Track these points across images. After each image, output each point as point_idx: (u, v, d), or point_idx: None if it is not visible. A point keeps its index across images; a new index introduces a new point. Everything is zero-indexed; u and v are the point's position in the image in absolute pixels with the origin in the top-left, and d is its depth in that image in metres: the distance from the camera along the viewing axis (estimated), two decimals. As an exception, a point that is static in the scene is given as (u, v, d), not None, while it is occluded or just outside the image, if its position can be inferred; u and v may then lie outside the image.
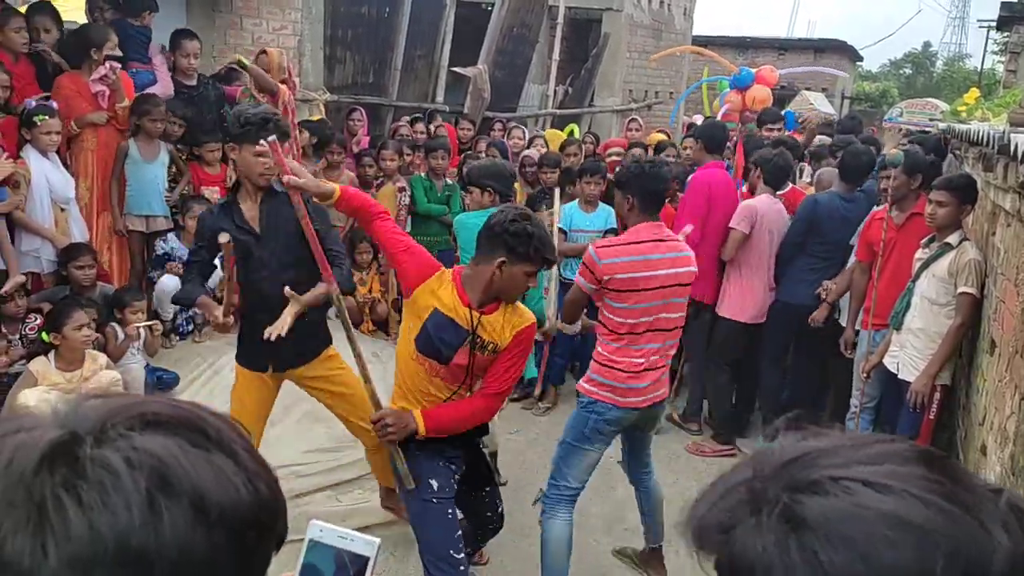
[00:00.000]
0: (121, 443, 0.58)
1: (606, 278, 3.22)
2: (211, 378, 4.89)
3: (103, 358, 4.25)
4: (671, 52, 12.89)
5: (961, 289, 3.93)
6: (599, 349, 3.39)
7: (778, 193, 5.30)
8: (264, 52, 5.57)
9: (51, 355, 4.08)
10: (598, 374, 3.36)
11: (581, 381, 3.45)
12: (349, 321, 2.94)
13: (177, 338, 5.21)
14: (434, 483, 2.85)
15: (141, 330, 4.57)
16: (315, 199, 2.88)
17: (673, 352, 3.50)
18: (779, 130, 7.13)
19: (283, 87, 5.50)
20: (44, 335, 4.10)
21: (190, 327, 5.23)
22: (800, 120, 8.68)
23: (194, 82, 5.57)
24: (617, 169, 3.53)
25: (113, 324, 4.53)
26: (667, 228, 3.43)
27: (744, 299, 5.16)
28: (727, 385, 5.38)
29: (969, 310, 3.94)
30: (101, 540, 0.54)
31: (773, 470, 0.59)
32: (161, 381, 4.71)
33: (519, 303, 2.86)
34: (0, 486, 0.55)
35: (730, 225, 5.02)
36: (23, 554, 0.53)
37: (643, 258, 3.24)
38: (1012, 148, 2.89)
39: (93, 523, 0.54)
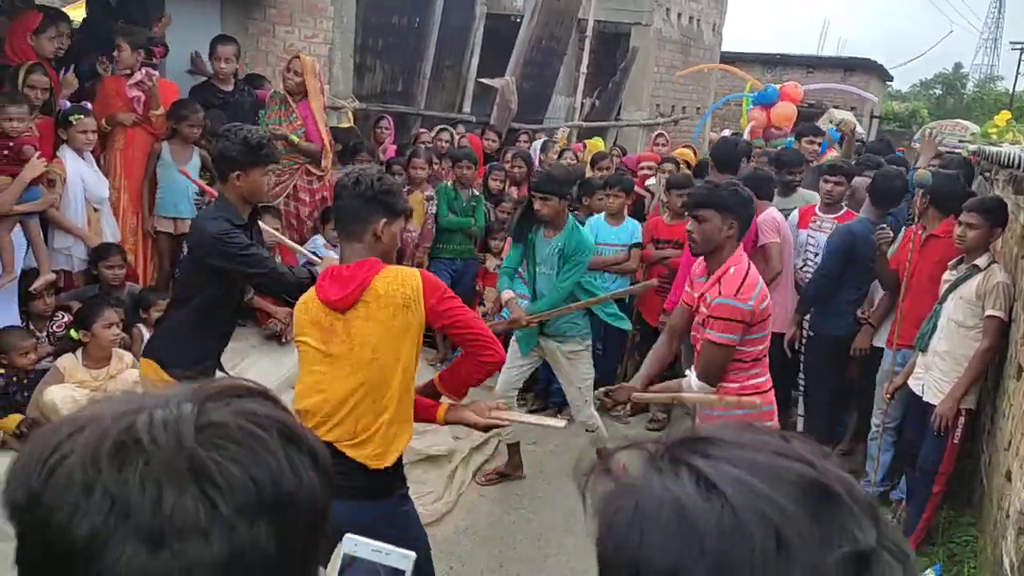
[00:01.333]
0: (244, 407, 0.66)
1: (755, 316, 3.10)
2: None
3: (129, 357, 4.30)
4: (698, 69, 12.90)
5: (988, 312, 3.89)
6: (742, 388, 3.20)
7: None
8: (297, 57, 5.64)
9: (78, 352, 4.13)
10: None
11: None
12: None
13: (204, 339, 5.25)
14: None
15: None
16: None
17: None
18: (818, 143, 7.07)
19: (317, 94, 5.57)
20: (72, 332, 4.16)
21: (214, 329, 5.27)
22: (837, 125, 8.57)
23: (231, 87, 5.64)
24: (714, 188, 3.26)
25: (139, 325, 4.59)
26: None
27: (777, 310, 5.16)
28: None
29: (996, 333, 3.90)
30: (261, 487, 0.61)
31: (672, 441, 0.60)
32: (185, 381, 4.75)
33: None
34: (157, 458, 0.60)
35: (764, 242, 4.99)
36: (196, 512, 0.59)
37: (760, 281, 3.17)
38: (1044, 171, 2.85)
39: (251, 474, 0.61)
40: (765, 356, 3.27)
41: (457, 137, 7.63)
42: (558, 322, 4.44)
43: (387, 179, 2.58)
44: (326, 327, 2.54)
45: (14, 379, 4.05)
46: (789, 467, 0.55)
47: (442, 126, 7.82)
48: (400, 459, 2.63)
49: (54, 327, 4.47)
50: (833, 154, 7.11)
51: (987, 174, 5.78)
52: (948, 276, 4.20)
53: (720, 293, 3.11)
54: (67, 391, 3.96)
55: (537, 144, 8.05)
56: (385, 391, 2.51)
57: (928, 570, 3.90)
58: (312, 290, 2.59)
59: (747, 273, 3.12)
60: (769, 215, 5.05)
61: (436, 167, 6.58)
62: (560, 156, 7.52)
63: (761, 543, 0.51)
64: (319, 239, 5.50)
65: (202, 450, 0.60)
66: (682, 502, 0.53)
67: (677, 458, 0.56)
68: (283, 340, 5.27)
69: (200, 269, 3.24)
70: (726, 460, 0.55)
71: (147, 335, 4.58)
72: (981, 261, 4.01)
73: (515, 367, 4.55)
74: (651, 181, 6.86)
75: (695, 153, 8.68)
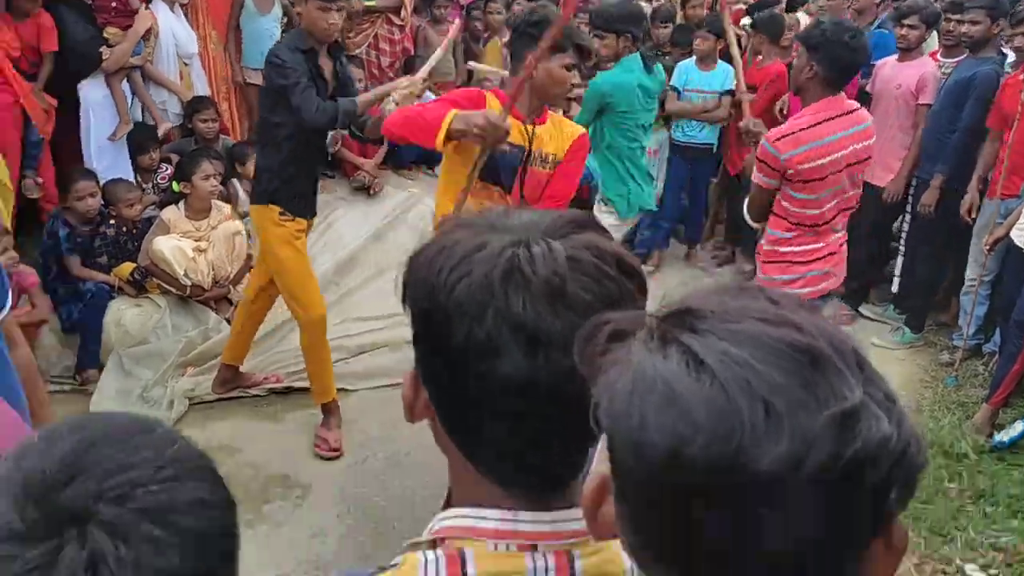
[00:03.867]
0: (591, 241, 0.77)
1: (790, 171, 2.98)
2: (325, 231, 5.09)
3: (227, 208, 4.47)
4: None
5: None
6: (767, 245, 3.20)
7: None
8: None
9: (180, 204, 4.32)
10: (769, 273, 3.21)
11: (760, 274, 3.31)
12: None
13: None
14: None
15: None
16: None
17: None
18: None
19: None
20: (175, 184, 4.33)
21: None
22: None
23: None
24: (807, 27, 3.17)
25: (233, 180, 4.73)
26: (847, 99, 3.11)
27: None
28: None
29: None
30: (603, 307, 0.72)
31: (663, 315, 0.62)
32: (280, 232, 4.93)
33: (565, 119, 2.84)
34: (535, 284, 0.73)
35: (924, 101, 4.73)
36: (561, 329, 0.72)
37: (827, 140, 2.97)
38: None
39: (598, 298, 0.74)
40: (817, 225, 3.11)
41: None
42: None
43: (539, 12, 2.61)
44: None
45: (123, 229, 4.28)
46: (776, 334, 0.56)
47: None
48: None
49: (159, 178, 4.66)
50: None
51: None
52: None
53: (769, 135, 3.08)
54: (173, 241, 4.18)
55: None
56: None
57: (1017, 422, 3.88)
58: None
59: (805, 128, 2.97)
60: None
61: (518, 7, 6.33)
62: None
63: (750, 415, 0.53)
64: None
65: (569, 283, 0.73)
66: (672, 383, 0.55)
67: (666, 335, 0.58)
68: (371, 192, 5.36)
69: (267, 95, 3.35)
70: (713, 333, 0.57)
71: (242, 193, 4.73)
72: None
73: None
74: (746, 20, 6.47)
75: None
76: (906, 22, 4.76)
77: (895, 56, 4.90)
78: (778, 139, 2.99)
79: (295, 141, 3.28)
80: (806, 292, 3.13)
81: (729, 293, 0.62)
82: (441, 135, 2.50)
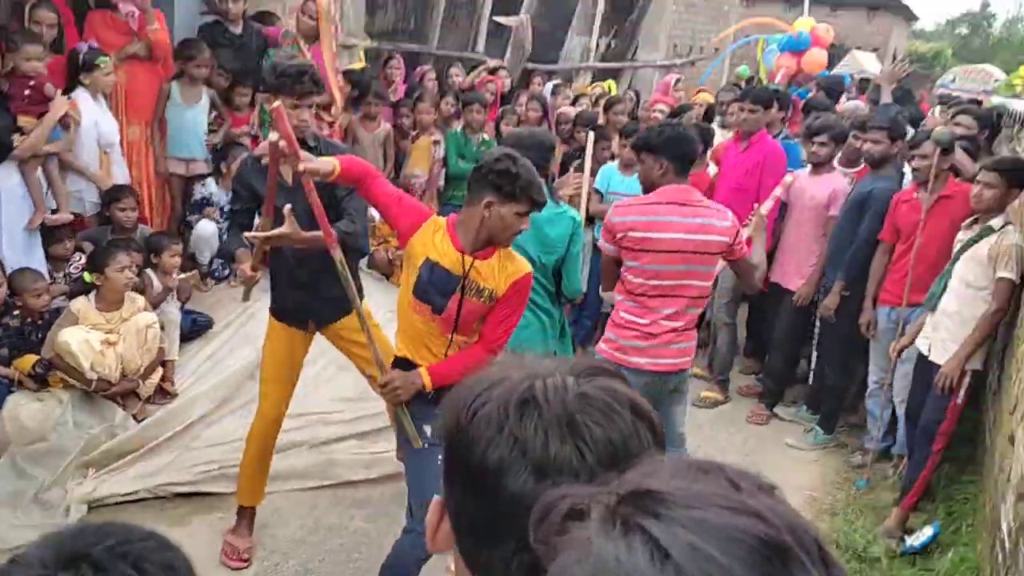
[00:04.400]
0: (606, 384, 0.83)
1: (620, 235, 3.29)
2: (246, 323, 4.98)
3: (141, 300, 4.34)
4: (729, 32, 12.57)
5: (1000, 274, 3.86)
6: (616, 309, 3.48)
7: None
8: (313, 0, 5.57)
9: (92, 295, 4.18)
10: (611, 332, 3.46)
11: (599, 342, 3.54)
12: (350, 282, 2.92)
13: (213, 282, 5.29)
14: (428, 429, 2.89)
15: (179, 281, 4.67)
16: (318, 178, 2.86)
17: (695, 323, 3.47)
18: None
19: (329, 40, 5.51)
20: (87, 275, 4.20)
21: (226, 271, 5.31)
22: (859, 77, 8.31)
23: (240, 28, 5.55)
24: (645, 133, 3.50)
25: (148, 271, 4.61)
26: (700, 193, 3.39)
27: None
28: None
29: (1006, 296, 3.88)
30: (614, 444, 0.79)
31: (623, 494, 0.61)
32: (196, 324, 4.81)
33: (515, 252, 2.85)
34: (547, 414, 0.80)
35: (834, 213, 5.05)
36: (570, 458, 0.78)
37: (660, 219, 3.26)
38: (1066, 139, 2.80)
39: (610, 437, 0.80)
40: (638, 295, 3.34)
41: (479, 78, 7.47)
42: None
43: (504, 163, 2.65)
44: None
45: (28, 320, 4.10)
46: (741, 526, 0.56)
47: (453, 63, 7.68)
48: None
49: (71, 268, 4.51)
50: (855, 103, 6.97)
51: (1009, 128, 5.67)
52: (961, 236, 4.16)
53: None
54: (81, 333, 4.03)
55: (548, 86, 7.93)
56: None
57: (926, 527, 3.97)
58: (448, 236, 2.75)
59: (643, 203, 3.35)
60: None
61: (448, 106, 6.48)
62: (575, 102, 7.40)
63: None
64: None
65: (579, 414, 0.80)
66: None
67: (627, 520, 0.57)
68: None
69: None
70: (677, 522, 0.56)
71: (157, 284, 4.61)
72: (996, 222, 3.97)
73: None
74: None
75: (714, 97, 8.53)
76: (816, 139, 5.06)
77: (808, 169, 5.18)
78: (619, 206, 3.40)
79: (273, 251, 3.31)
80: (616, 356, 3.37)
81: (690, 474, 0.62)
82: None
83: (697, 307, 3.43)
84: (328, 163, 2.81)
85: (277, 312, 3.52)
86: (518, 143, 4.10)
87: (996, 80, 12.21)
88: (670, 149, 3.29)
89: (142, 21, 4.93)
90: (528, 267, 2.88)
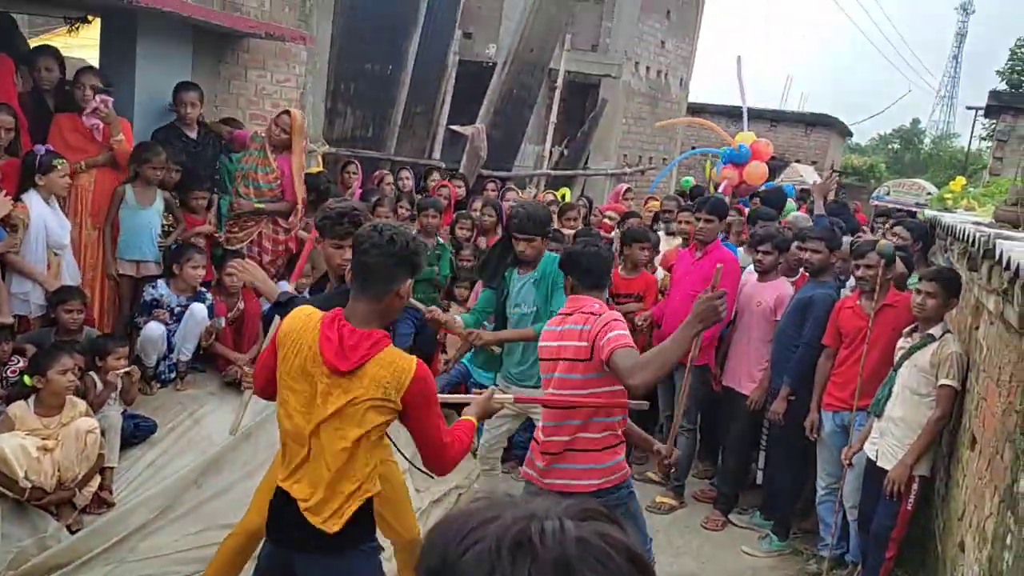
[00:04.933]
0: (603, 529, 0.80)
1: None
2: (190, 428, 4.84)
3: (82, 405, 4.20)
4: (677, 122, 13.16)
5: (942, 382, 3.97)
6: None
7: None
8: (287, 113, 5.71)
9: (31, 399, 4.04)
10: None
11: None
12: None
13: (158, 385, 5.16)
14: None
15: (120, 378, 4.54)
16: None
17: (584, 439, 3.27)
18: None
19: (300, 152, 5.66)
20: (26, 378, 4.06)
21: (172, 374, 5.19)
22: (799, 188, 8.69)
23: (195, 133, 5.63)
24: (562, 252, 3.71)
25: (91, 374, 4.49)
26: (596, 303, 3.32)
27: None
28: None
29: (949, 403, 3.98)
30: None
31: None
32: (139, 429, 4.65)
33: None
34: (542, 559, 0.76)
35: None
36: None
37: (552, 328, 3.43)
38: (997, 254, 2.95)
39: None
40: (545, 407, 3.41)
41: (433, 185, 7.65)
42: (534, 367, 4.35)
43: (418, 240, 2.58)
44: (310, 381, 2.51)
45: (-38, 425, 3.93)
46: None
47: (404, 167, 7.85)
48: (364, 513, 2.59)
49: (8, 371, 4.36)
50: (795, 214, 7.25)
51: (942, 241, 5.94)
52: (903, 343, 4.28)
53: None
54: (16, 439, 3.87)
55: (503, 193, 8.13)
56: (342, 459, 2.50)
57: (883, 637, 3.93)
58: (316, 337, 2.51)
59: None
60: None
61: (401, 210, 6.60)
62: (503, 197, 7.60)
63: None
64: (284, 284, 5.47)
65: (575, 561, 0.76)
66: None
67: None
68: (243, 388, 5.19)
69: None
70: None
71: (100, 386, 4.49)
72: (936, 330, 4.10)
73: (495, 427, 4.47)
74: (614, 234, 6.97)
75: (660, 204, 8.81)
76: (760, 248, 5.23)
77: (756, 276, 5.34)
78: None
79: None
80: (523, 470, 3.48)
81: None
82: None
83: (584, 419, 3.25)
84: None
85: None
86: (533, 219, 4.32)
87: (928, 193, 12.90)
88: (571, 267, 3.47)
89: (106, 133, 4.99)
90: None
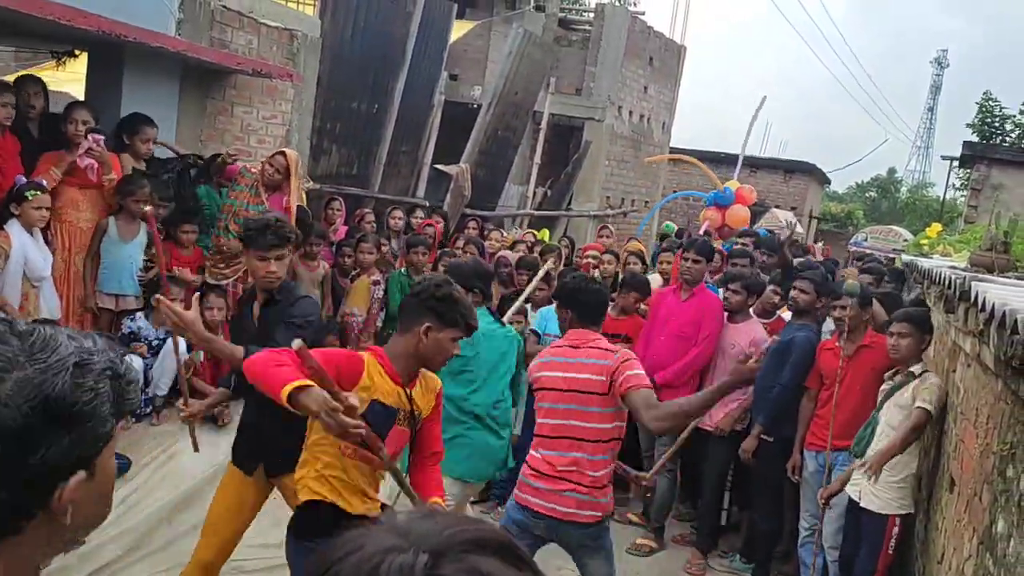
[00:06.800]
0: (476, 565, 0.71)
1: (531, 377, 3.48)
2: (165, 463, 4.77)
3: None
4: (665, 158, 13.35)
5: (917, 404, 3.93)
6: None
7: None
8: (282, 154, 5.74)
9: None
10: (522, 471, 3.49)
11: None
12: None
13: (133, 420, 5.08)
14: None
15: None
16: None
17: (591, 470, 3.30)
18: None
19: (295, 191, 5.68)
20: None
21: (148, 409, 5.12)
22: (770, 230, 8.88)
23: (142, 166, 5.50)
24: (558, 285, 3.79)
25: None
26: (600, 339, 3.44)
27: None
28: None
29: (923, 421, 3.91)
30: None
31: None
32: (113, 464, 4.57)
33: (428, 372, 2.86)
34: None
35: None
36: None
37: (551, 359, 3.44)
38: (973, 295, 2.99)
39: None
40: (546, 437, 3.40)
41: (419, 222, 7.68)
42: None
43: (445, 289, 2.70)
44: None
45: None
46: None
47: (397, 207, 7.88)
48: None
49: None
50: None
51: (918, 284, 6.02)
52: (886, 385, 4.31)
53: None
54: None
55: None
56: None
57: None
58: (384, 371, 2.71)
59: (556, 344, 3.61)
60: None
61: (385, 248, 6.61)
62: (512, 247, 7.62)
63: None
64: None
65: None
66: None
67: None
68: (220, 423, 5.13)
69: None
70: None
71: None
72: (916, 368, 4.14)
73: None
74: (595, 273, 7.00)
75: (643, 246, 8.90)
76: (730, 286, 5.28)
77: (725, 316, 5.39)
78: (542, 352, 3.66)
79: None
80: (518, 495, 3.42)
81: None
82: (283, 399, 2.37)
83: (591, 453, 3.30)
84: (238, 351, 2.95)
85: (233, 451, 3.44)
86: (458, 272, 4.22)
87: (905, 240, 13.11)
88: (567, 300, 3.54)
89: (99, 172, 4.99)
90: (439, 379, 2.94)
